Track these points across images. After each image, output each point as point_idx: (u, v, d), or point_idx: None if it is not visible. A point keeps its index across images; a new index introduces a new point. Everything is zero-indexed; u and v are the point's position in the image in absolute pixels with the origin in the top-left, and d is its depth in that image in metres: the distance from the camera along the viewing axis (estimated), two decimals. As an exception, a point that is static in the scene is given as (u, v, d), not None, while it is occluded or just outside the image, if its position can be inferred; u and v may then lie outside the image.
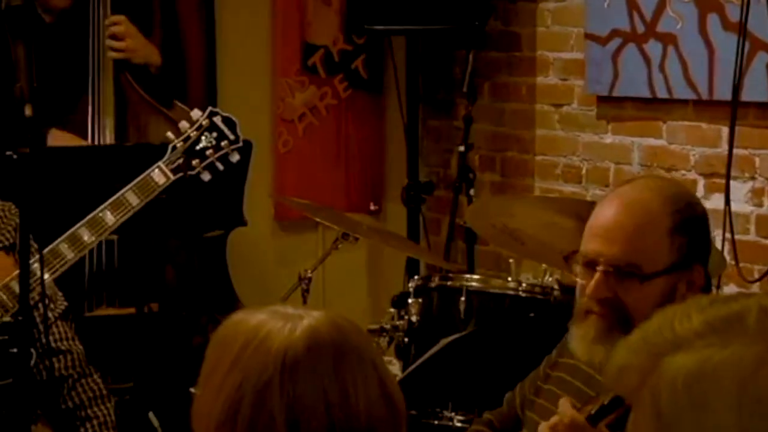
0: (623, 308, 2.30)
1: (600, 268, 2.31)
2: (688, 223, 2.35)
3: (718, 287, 3.72)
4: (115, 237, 3.87)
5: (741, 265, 3.76)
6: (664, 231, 2.32)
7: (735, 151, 3.83)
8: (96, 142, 4.04)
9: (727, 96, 3.79)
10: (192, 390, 1.70)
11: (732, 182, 3.82)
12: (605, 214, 2.34)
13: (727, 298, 1.30)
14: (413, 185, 4.80)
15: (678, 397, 1.23)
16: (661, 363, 1.24)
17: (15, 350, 2.74)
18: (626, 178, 3.30)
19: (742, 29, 3.76)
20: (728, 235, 3.72)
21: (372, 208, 5.05)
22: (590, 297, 2.32)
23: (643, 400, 1.26)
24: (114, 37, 4.05)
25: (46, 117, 3.87)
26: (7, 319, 3.12)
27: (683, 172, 4.13)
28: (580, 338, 2.34)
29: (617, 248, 2.30)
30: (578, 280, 2.37)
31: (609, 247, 2.31)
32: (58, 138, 3.97)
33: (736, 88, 3.73)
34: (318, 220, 4.07)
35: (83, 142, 4.02)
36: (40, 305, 2.92)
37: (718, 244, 3.74)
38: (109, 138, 4.05)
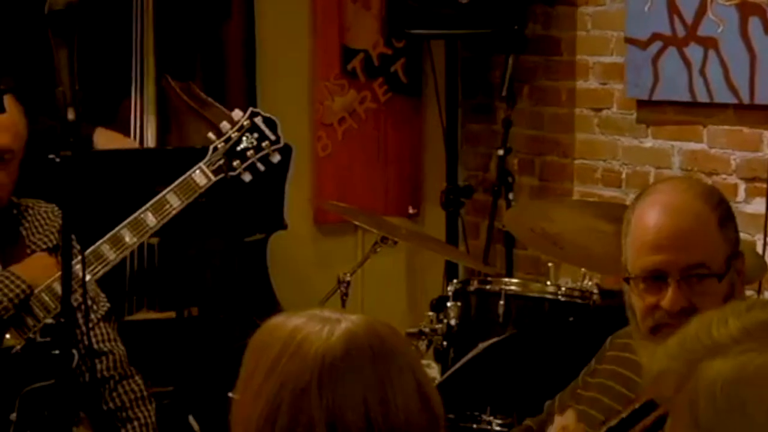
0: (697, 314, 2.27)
1: (671, 278, 2.27)
2: (727, 213, 2.34)
3: (759, 292, 3.70)
4: (156, 240, 3.89)
5: (782, 269, 3.74)
6: (715, 226, 2.31)
7: (776, 155, 3.82)
8: (139, 143, 4.07)
9: (769, 100, 3.79)
10: (231, 395, 1.70)
11: (773, 186, 3.81)
12: (656, 224, 2.30)
13: (764, 304, 1.30)
14: (452, 189, 4.80)
15: (716, 402, 1.22)
16: (698, 368, 1.24)
17: (57, 352, 2.76)
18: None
19: (783, 33, 3.75)
20: (769, 240, 3.71)
21: (411, 211, 5.05)
22: (668, 309, 2.27)
23: (680, 405, 1.26)
24: None
25: (92, 116, 3.91)
26: (49, 320, 3.15)
27: (724, 176, 4.11)
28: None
29: (683, 254, 2.27)
30: (637, 299, 2.31)
31: (675, 256, 2.27)
32: (104, 136, 3.99)
33: (777, 92, 3.72)
34: (357, 223, 4.08)
35: (128, 140, 4.03)
36: (82, 306, 2.94)
37: (759, 249, 3.73)
38: (151, 138, 4.07)
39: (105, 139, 3.99)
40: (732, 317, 1.27)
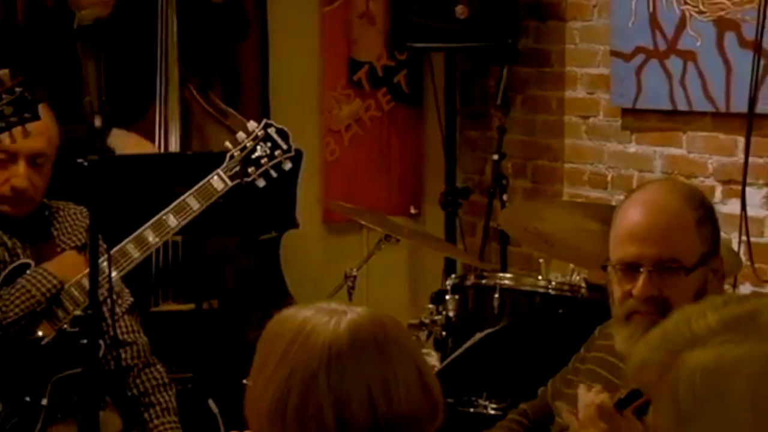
0: (666, 304, 2.27)
1: (644, 269, 2.29)
2: (707, 214, 2.35)
3: (734, 286, 3.70)
4: (179, 238, 3.89)
5: (756, 265, 3.74)
6: (692, 225, 2.31)
7: (750, 159, 3.82)
8: (162, 147, 4.06)
9: (743, 108, 3.78)
10: (245, 381, 1.70)
11: (747, 188, 3.80)
12: (635, 219, 2.32)
13: (740, 298, 1.30)
14: (450, 191, 4.80)
15: (696, 390, 1.22)
16: (679, 358, 1.24)
17: (85, 342, 2.76)
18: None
19: (757, 47, 3.75)
20: (744, 238, 3.70)
21: (412, 211, 5.05)
22: (638, 297, 2.29)
23: (662, 393, 1.25)
24: None
25: (120, 123, 3.91)
26: (78, 313, 3.15)
27: (702, 179, 4.10)
28: (627, 338, 2.30)
29: (657, 248, 2.29)
30: (616, 286, 2.34)
31: (649, 248, 2.29)
32: (122, 139, 3.98)
33: (752, 101, 3.71)
34: (363, 222, 4.07)
35: (148, 144, 4.03)
36: (108, 300, 2.94)
37: (735, 246, 3.73)
38: (174, 143, 4.07)
39: (121, 141, 3.98)
40: (710, 311, 1.27)
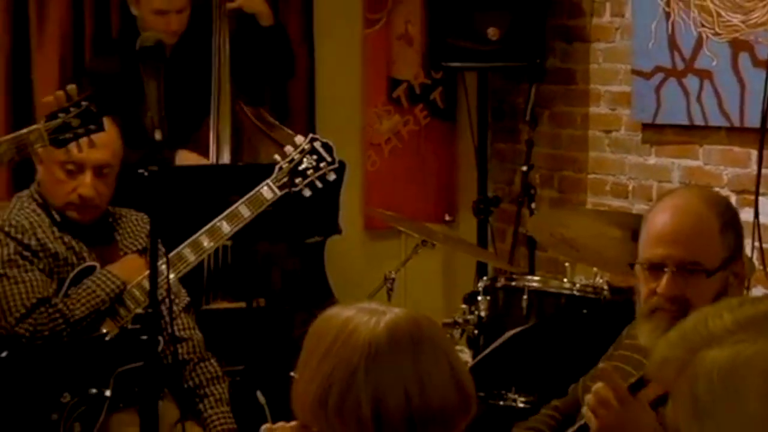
0: (687, 304, 2.26)
1: (668, 269, 2.29)
2: (731, 221, 2.34)
3: (748, 289, 3.67)
4: (230, 242, 3.90)
5: None
6: (716, 230, 2.30)
7: (763, 171, 3.79)
8: (216, 160, 4.08)
9: (756, 123, 3.75)
10: (292, 374, 1.71)
11: (760, 198, 3.77)
12: (663, 222, 2.32)
13: (755, 300, 1.29)
14: (482, 199, 4.79)
15: (713, 386, 1.21)
16: (697, 356, 1.23)
17: (145, 338, 2.77)
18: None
19: (769, 66, 3.72)
20: (756, 244, 3.67)
21: (447, 218, 5.04)
22: (661, 295, 2.29)
23: (680, 388, 1.25)
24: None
25: (177, 136, 3.93)
26: (139, 311, 3.17)
27: (717, 189, 4.07)
28: (650, 332, 2.30)
29: (681, 250, 2.28)
30: (642, 283, 2.34)
31: (674, 251, 2.28)
32: (184, 157, 4.01)
33: (764, 116, 3.68)
34: (401, 229, 4.07)
35: (206, 161, 4.05)
36: (166, 300, 2.96)
37: (748, 252, 3.70)
38: (227, 156, 4.08)
39: (186, 161, 4.01)
40: (726, 312, 1.26)
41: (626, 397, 2.14)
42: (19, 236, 3.19)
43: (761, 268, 3.70)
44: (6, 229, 3.20)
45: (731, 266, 2.32)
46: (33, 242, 3.19)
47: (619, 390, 2.15)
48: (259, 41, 4.15)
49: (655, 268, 2.31)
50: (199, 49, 4.11)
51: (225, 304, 4.00)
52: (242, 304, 3.93)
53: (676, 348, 1.27)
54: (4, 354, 3.08)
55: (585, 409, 2.20)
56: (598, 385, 2.19)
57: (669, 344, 1.28)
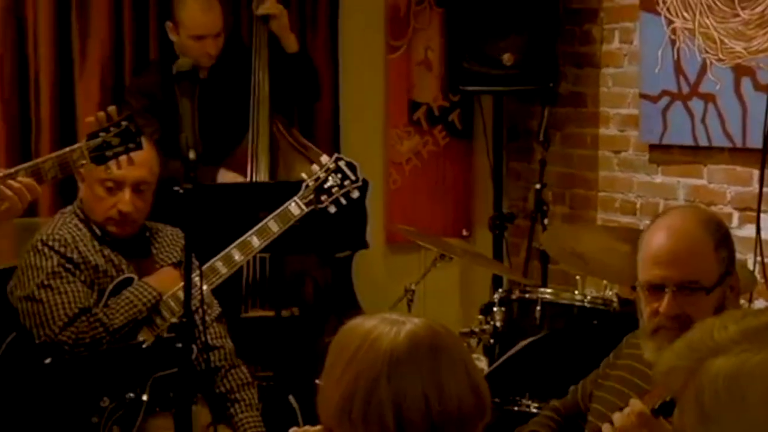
0: (689, 320, 2.23)
1: (668, 289, 2.26)
2: (723, 238, 2.32)
3: (750, 302, 3.65)
4: (266, 255, 3.91)
5: (770, 282, 3.70)
6: (710, 248, 2.28)
7: (765, 189, 3.77)
8: (253, 177, 4.09)
9: (758, 144, 3.73)
10: (317, 381, 1.70)
11: (762, 215, 3.75)
12: (660, 244, 2.29)
13: (757, 312, 1.28)
14: (498, 215, 4.78)
15: (719, 394, 1.20)
16: (703, 365, 1.22)
17: (180, 346, 2.77)
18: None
19: (769, 90, 3.71)
20: (758, 259, 3.65)
21: (464, 233, 5.03)
22: (663, 314, 2.26)
23: (687, 396, 1.24)
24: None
25: (214, 155, 3.94)
26: (174, 321, 3.17)
27: (721, 206, 4.06)
28: (655, 349, 2.28)
29: (679, 270, 2.26)
30: (644, 304, 2.32)
31: (672, 271, 2.26)
32: (227, 177, 4.03)
33: (766, 137, 3.66)
34: (421, 243, 4.06)
35: (243, 179, 4.06)
36: (200, 310, 2.96)
37: (750, 266, 3.68)
38: (263, 174, 4.09)
39: (227, 179, 4.02)
40: (731, 323, 1.25)
41: (651, 420, 2.11)
42: (62, 249, 3.20)
43: (763, 281, 3.68)
44: (50, 242, 3.21)
45: (727, 281, 2.30)
46: (75, 255, 3.20)
47: (644, 414, 2.13)
48: (285, 67, 4.17)
49: (656, 289, 2.28)
50: (235, 71, 4.13)
51: (261, 313, 4.00)
52: (275, 313, 3.93)
53: (682, 357, 1.26)
54: (47, 360, 3.09)
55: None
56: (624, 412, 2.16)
57: (676, 354, 1.27)
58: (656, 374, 1.29)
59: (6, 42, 4.17)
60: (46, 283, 3.16)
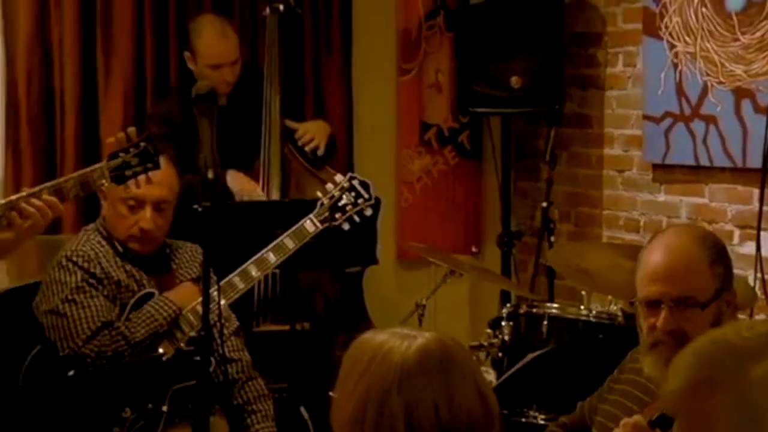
0: (685, 335, 2.23)
1: (664, 305, 2.25)
2: (719, 254, 2.31)
3: (750, 317, 3.63)
4: (277, 271, 3.91)
5: (769, 298, 3.68)
6: (705, 265, 2.27)
7: (765, 208, 3.76)
8: (266, 195, 4.09)
9: (758, 164, 3.72)
10: (330, 394, 1.70)
11: (762, 233, 3.74)
12: (656, 261, 2.29)
13: (762, 321, 1.27)
14: (506, 233, 4.78)
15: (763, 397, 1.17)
16: (738, 372, 1.20)
17: (198, 358, 2.77)
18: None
19: (769, 111, 3.70)
20: (759, 275, 3.63)
21: (473, 250, 5.03)
22: (660, 330, 2.26)
23: (715, 406, 1.20)
24: (305, 143, 4.12)
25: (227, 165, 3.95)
26: (193, 334, 3.17)
27: (722, 224, 4.05)
28: (653, 363, 2.28)
29: (675, 287, 2.25)
30: (642, 319, 2.31)
31: (668, 288, 2.25)
32: (234, 177, 4.02)
33: (766, 157, 3.65)
34: (431, 259, 4.06)
35: (253, 183, 4.05)
36: (218, 324, 2.95)
37: (751, 282, 3.66)
38: (275, 192, 4.09)
39: (235, 180, 4.02)
40: (745, 331, 1.23)
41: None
42: (86, 265, 3.21)
43: (763, 297, 3.66)
44: (74, 258, 3.22)
45: (723, 296, 2.29)
46: (98, 271, 3.21)
47: (639, 427, 2.11)
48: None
49: (653, 305, 2.28)
50: (252, 97, 4.14)
51: (273, 327, 4.00)
52: (287, 327, 3.93)
53: (702, 370, 1.23)
54: (71, 373, 3.09)
55: None
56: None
57: (691, 367, 1.24)
58: (669, 393, 1.26)
59: (32, 65, 4.20)
60: (70, 297, 3.16)
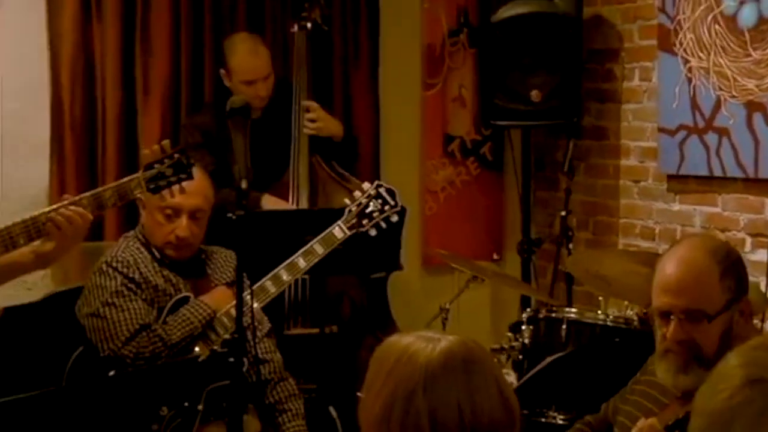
0: (695, 345, 2.23)
1: (674, 317, 2.24)
2: (731, 267, 2.28)
3: (762, 321, 3.60)
4: (307, 276, 3.91)
5: (780, 304, 3.65)
6: (716, 278, 2.25)
7: (775, 216, 3.74)
8: (295, 204, 4.10)
9: (769, 175, 3.71)
10: (358, 394, 1.70)
11: (773, 240, 3.72)
12: (668, 273, 2.27)
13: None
14: (526, 240, 4.77)
15: None
16: None
17: (232, 359, 2.78)
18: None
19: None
20: (770, 281, 3.62)
21: (495, 257, 5.02)
22: (670, 340, 2.25)
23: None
24: (311, 120, 4.13)
25: (263, 184, 3.97)
26: (227, 336, 3.17)
27: (734, 232, 4.02)
28: (665, 371, 2.27)
29: (685, 299, 2.23)
30: (656, 327, 2.30)
31: (678, 300, 2.24)
32: (269, 201, 4.04)
33: (776, 168, 3.64)
34: (454, 265, 4.06)
35: (287, 204, 4.08)
36: (251, 326, 2.96)
37: (762, 288, 3.64)
38: (304, 201, 4.10)
39: (270, 203, 4.04)
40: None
41: None
42: (125, 270, 3.23)
43: (774, 302, 3.63)
44: (114, 264, 3.23)
45: (734, 307, 2.26)
46: (137, 276, 3.22)
47: (655, 429, 2.10)
48: (333, 149, 4.20)
49: (664, 315, 2.27)
50: (285, 110, 4.15)
51: (303, 330, 4.00)
52: (316, 330, 3.93)
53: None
54: (112, 373, 3.10)
55: None
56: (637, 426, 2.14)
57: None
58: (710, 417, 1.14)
59: (76, 80, 4.24)
60: (110, 301, 3.18)
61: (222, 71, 4.12)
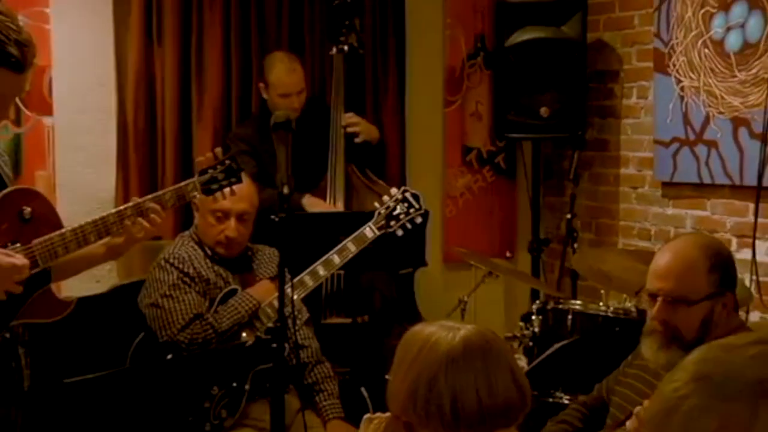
0: (675, 328, 2.22)
1: (659, 299, 2.24)
2: (720, 263, 2.26)
3: (747, 313, 3.57)
4: (342, 272, 3.90)
5: (764, 298, 3.62)
6: (702, 270, 2.23)
7: (759, 220, 3.70)
8: (332, 205, 4.10)
9: (753, 182, 3.67)
10: (387, 377, 1.69)
11: (757, 241, 3.69)
12: (661, 261, 2.27)
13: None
14: (536, 240, 4.75)
15: None
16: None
17: (275, 345, 2.78)
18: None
19: (763, 138, 3.65)
20: (754, 278, 3.58)
21: (508, 255, 4.99)
22: (653, 319, 2.25)
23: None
24: (350, 125, 4.13)
25: (303, 187, 3.97)
26: (270, 325, 3.18)
27: (722, 234, 3.98)
28: (648, 347, 2.27)
29: (669, 284, 2.23)
30: (647, 307, 2.30)
31: (664, 284, 2.23)
32: (309, 200, 4.04)
33: (760, 177, 3.61)
34: (472, 262, 4.04)
35: (325, 203, 4.07)
36: (291, 316, 2.96)
37: (747, 283, 3.60)
38: (341, 204, 4.10)
39: (310, 202, 4.04)
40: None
41: None
42: (181, 266, 3.23)
43: (758, 296, 3.60)
44: (171, 260, 3.24)
45: (719, 299, 2.23)
46: (191, 270, 3.23)
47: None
48: (368, 152, 4.19)
49: (652, 297, 2.26)
50: (315, 123, 4.15)
51: (338, 320, 3.99)
52: (350, 320, 3.93)
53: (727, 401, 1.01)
54: (169, 357, 3.11)
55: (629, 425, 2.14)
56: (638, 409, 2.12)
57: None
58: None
59: (139, 98, 4.26)
60: (167, 293, 3.19)
61: (261, 84, 4.13)
